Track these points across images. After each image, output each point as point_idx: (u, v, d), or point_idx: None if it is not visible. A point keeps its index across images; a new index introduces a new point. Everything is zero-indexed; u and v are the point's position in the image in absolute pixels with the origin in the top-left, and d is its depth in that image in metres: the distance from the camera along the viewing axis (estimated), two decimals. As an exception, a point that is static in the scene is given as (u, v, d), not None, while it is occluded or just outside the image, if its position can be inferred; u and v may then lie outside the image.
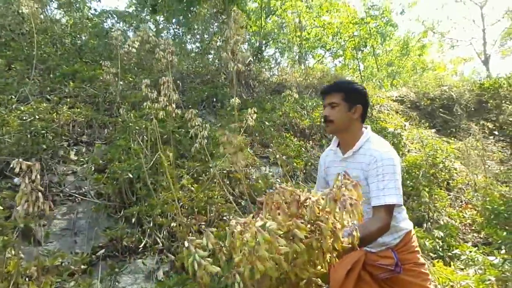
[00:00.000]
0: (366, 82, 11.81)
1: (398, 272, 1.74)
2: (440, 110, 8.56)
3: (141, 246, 2.69)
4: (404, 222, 1.86)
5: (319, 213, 1.05)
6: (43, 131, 3.48)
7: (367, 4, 14.67)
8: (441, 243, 3.34)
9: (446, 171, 5.54)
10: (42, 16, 6.88)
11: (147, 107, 3.01)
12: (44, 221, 2.67)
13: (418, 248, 1.89)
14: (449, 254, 3.56)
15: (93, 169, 3.25)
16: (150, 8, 8.76)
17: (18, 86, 4.43)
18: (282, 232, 1.01)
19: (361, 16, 14.35)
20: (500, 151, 7.12)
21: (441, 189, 5.09)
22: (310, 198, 1.07)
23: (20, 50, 5.44)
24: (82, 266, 2.34)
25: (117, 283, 2.31)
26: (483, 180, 5.55)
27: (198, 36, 8.15)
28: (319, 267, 1.11)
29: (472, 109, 8.73)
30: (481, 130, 6.71)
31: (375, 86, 10.61)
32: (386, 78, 15.28)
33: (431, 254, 3.18)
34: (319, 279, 1.14)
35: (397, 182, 1.65)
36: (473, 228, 4.66)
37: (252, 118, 3.46)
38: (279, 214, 1.04)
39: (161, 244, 2.71)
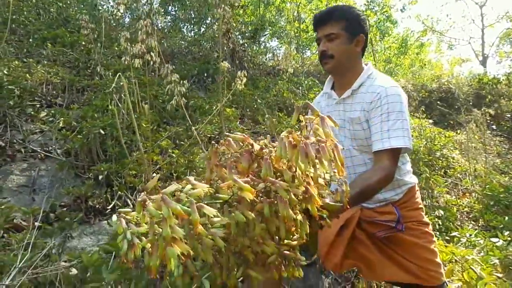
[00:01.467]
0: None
1: (400, 230, 1.45)
2: (438, 102, 8.35)
3: (109, 207, 2.39)
4: (408, 175, 1.56)
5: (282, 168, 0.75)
6: (10, 86, 3.17)
7: (367, -3, 14.45)
8: (440, 223, 3.07)
9: (444, 159, 5.31)
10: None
11: (125, 60, 2.71)
12: (-1, 175, 2.36)
13: (422, 206, 1.59)
14: (447, 237, 3.32)
15: (63, 128, 2.94)
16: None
17: (-10, 46, 4.10)
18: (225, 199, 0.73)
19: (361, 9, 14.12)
20: (497, 145, 6.94)
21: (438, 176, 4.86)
22: (267, 147, 0.79)
23: (-3, 13, 5.10)
24: (36, 223, 2.04)
25: (74, 243, 2.00)
26: (482, 169, 5.33)
27: (193, 14, 7.81)
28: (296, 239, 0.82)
29: (471, 103, 8.53)
30: (483, 116, 6.48)
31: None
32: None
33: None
34: (297, 253, 0.84)
35: (404, 122, 1.35)
36: (471, 216, 4.44)
37: (241, 81, 3.18)
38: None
39: (131, 206, 2.41)
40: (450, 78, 8.97)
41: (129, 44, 2.91)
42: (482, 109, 7.26)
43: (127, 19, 7.13)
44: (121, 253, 0.65)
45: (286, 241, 0.82)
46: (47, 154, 2.69)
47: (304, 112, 0.86)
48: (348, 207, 0.90)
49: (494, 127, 7.65)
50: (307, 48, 15.50)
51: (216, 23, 7.22)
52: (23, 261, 1.35)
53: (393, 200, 1.52)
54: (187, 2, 8.01)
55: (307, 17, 14.43)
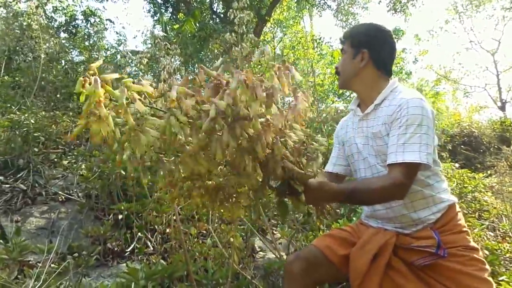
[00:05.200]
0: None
1: (442, 256, 1.27)
2: (462, 146, 8.14)
3: (128, 249, 2.27)
4: (444, 193, 1.40)
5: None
6: (35, 134, 3.23)
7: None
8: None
9: (476, 201, 5.02)
10: (57, 48, 7.02)
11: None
12: (18, 217, 2.31)
13: (467, 229, 1.39)
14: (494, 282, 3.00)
15: (83, 171, 2.93)
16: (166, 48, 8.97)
17: (20, 99, 4.30)
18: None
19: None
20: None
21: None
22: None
23: (29, 72, 5.42)
24: (52, 265, 1.93)
25: (91, 284, 1.87)
26: (520, 212, 5.00)
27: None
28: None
29: (495, 146, 8.29)
30: (512, 155, 6.24)
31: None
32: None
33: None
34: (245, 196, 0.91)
35: (423, 137, 1.23)
36: (515, 262, 4.06)
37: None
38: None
39: (151, 248, 2.29)
40: (471, 123, 8.85)
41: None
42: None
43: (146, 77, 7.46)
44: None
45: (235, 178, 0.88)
46: (68, 196, 2.65)
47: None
48: (316, 177, 0.91)
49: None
50: (322, 102, 15.81)
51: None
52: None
53: (429, 221, 1.35)
54: (206, 60, 8.40)
55: (321, 72, 14.89)
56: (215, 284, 1.61)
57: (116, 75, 0.73)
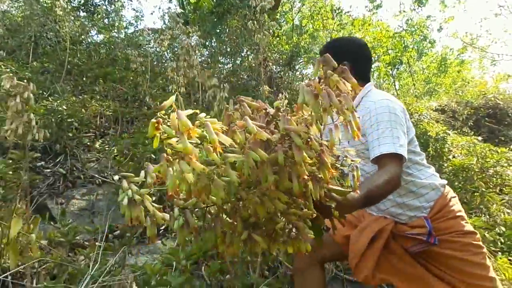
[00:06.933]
0: (402, 97, 11.35)
1: (433, 244, 1.38)
2: (486, 119, 7.98)
3: (162, 228, 2.47)
4: (430, 179, 1.50)
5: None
6: (69, 120, 3.43)
7: (402, 19, 14.41)
8: (502, 241, 2.88)
9: (498, 176, 5.01)
10: (79, 30, 7.17)
11: (172, 89, 2.87)
12: (62, 199, 2.53)
13: (462, 213, 1.48)
14: (510, 257, 3.08)
15: (116, 156, 3.13)
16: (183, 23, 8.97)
17: (50, 84, 4.50)
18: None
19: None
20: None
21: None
22: (283, 109, 0.77)
23: (55, 56, 5.61)
24: (97, 243, 2.15)
25: (132, 261, 2.08)
26: (543, 186, 4.96)
27: (228, 48, 8.14)
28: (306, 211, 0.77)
29: (522, 118, 8.08)
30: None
31: (412, 97, 10.14)
32: (423, 95, 14.68)
33: (492, 247, 2.73)
34: (305, 227, 0.78)
35: (394, 131, 1.34)
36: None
37: (283, 103, 3.25)
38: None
39: (183, 227, 2.48)
40: (497, 94, 8.58)
41: (175, 73, 3.10)
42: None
43: (166, 55, 7.54)
44: (123, 213, 0.67)
45: (293, 210, 0.77)
46: (104, 179, 2.85)
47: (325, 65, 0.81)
48: (358, 191, 0.88)
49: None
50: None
51: (252, 54, 7.47)
52: (93, 270, 1.43)
53: (421, 209, 1.47)
54: (224, 37, 8.39)
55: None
56: (246, 260, 1.78)
57: (190, 112, 0.68)
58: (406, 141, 1.37)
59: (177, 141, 0.62)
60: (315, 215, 0.79)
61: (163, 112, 0.67)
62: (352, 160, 0.82)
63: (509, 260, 3.14)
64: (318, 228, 0.85)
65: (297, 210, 0.76)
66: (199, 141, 0.67)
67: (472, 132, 7.28)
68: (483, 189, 3.60)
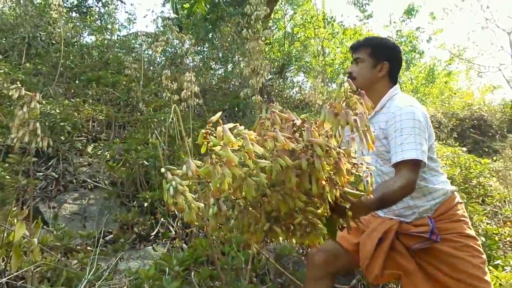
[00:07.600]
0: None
1: (435, 241, 1.46)
2: (471, 130, 8.19)
3: (152, 234, 2.52)
4: (442, 184, 1.59)
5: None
6: (62, 123, 3.45)
7: (392, 30, 14.67)
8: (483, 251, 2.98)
9: (481, 187, 5.16)
10: (72, 32, 7.16)
11: (166, 96, 2.94)
12: (54, 203, 2.56)
13: (466, 219, 1.56)
14: (490, 266, 3.19)
15: (109, 160, 3.17)
16: (177, 30, 9.00)
17: (43, 87, 4.50)
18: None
19: (385, 41, 14.30)
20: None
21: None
22: (307, 121, 0.90)
23: (48, 58, 5.60)
24: (89, 248, 2.19)
25: (123, 266, 2.12)
26: (523, 197, 5.13)
27: (220, 54, 8.21)
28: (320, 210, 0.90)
29: (505, 130, 8.31)
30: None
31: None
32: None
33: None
34: (319, 223, 0.91)
35: (417, 137, 1.42)
36: (514, 246, 4.24)
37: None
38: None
39: (173, 233, 2.53)
40: (482, 105, 8.81)
41: (169, 81, 3.16)
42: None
43: (159, 60, 7.57)
44: (167, 200, 0.79)
45: (310, 209, 0.90)
46: (96, 184, 2.89)
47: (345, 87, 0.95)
48: (371, 196, 0.97)
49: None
50: (333, 82, 15.75)
51: (243, 61, 7.56)
52: (89, 274, 1.48)
53: (424, 207, 1.55)
54: (216, 42, 8.46)
55: (331, 52, 14.78)
56: (235, 267, 1.84)
57: (231, 125, 0.80)
58: (427, 148, 1.46)
59: (220, 149, 0.77)
60: (329, 214, 0.92)
61: (208, 124, 0.83)
62: (367, 167, 0.92)
63: (489, 270, 3.26)
64: (332, 226, 0.98)
65: (313, 209, 0.89)
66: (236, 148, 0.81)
67: (457, 143, 7.47)
68: (465, 200, 3.71)
